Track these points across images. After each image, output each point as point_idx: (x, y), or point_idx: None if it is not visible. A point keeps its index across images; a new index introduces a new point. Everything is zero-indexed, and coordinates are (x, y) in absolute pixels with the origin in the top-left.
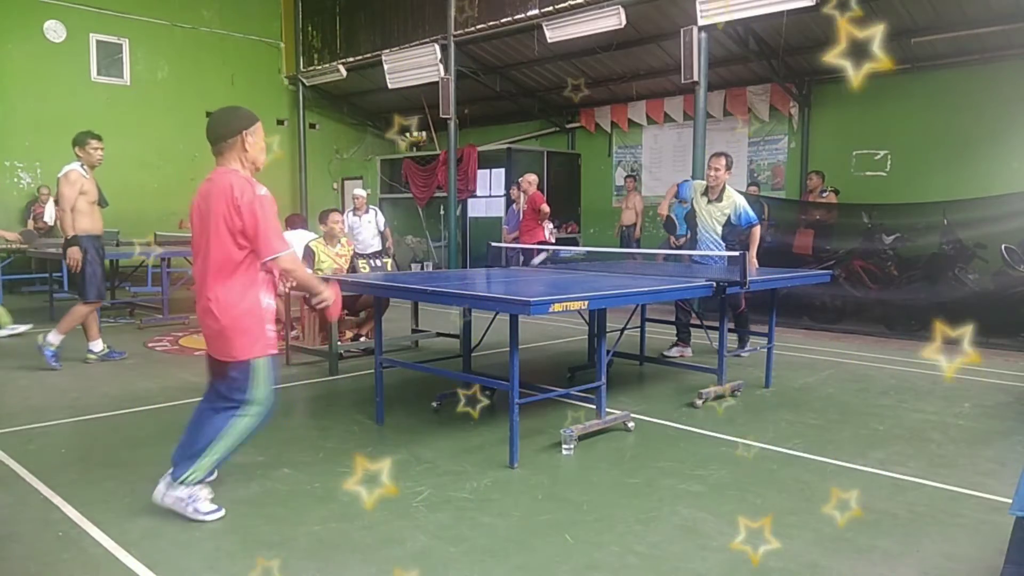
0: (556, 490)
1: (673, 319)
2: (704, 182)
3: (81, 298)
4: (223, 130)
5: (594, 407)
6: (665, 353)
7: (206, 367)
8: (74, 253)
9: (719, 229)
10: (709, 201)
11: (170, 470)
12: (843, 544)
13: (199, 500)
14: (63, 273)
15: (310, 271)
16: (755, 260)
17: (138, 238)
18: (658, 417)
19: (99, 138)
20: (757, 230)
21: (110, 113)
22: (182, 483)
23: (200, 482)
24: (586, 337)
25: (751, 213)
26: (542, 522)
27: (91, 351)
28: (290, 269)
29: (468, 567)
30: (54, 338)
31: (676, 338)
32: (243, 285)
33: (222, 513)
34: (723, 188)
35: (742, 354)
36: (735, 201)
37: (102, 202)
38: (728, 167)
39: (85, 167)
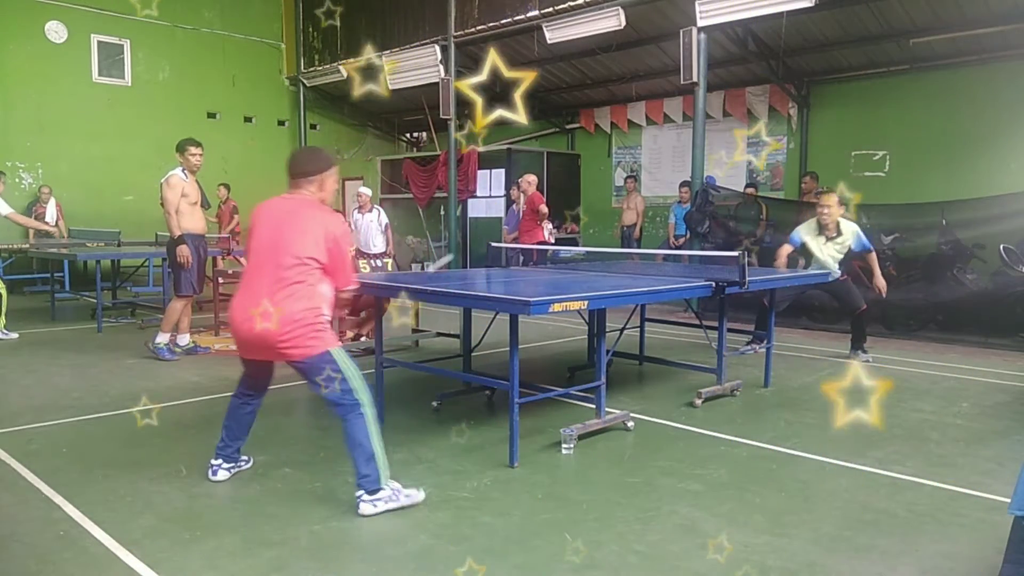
0: (556, 489)
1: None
2: (811, 224)
3: (174, 292)
4: (309, 168)
5: (594, 407)
6: (740, 350)
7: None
8: (183, 251)
9: (839, 259)
10: (828, 240)
11: (358, 494)
12: (842, 543)
13: (400, 491)
14: (64, 272)
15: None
16: (883, 282)
17: (139, 238)
18: (657, 417)
19: (199, 144)
20: (874, 255)
21: (111, 114)
22: (379, 490)
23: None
24: (586, 337)
25: (865, 239)
26: (542, 521)
27: (177, 344)
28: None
29: (468, 566)
30: (161, 338)
31: (753, 334)
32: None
33: (423, 494)
34: (837, 222)
35: (869, 359)
36: (852, 230)
37: (204, 203)
38: (840, 202)
39: (185, 171)
